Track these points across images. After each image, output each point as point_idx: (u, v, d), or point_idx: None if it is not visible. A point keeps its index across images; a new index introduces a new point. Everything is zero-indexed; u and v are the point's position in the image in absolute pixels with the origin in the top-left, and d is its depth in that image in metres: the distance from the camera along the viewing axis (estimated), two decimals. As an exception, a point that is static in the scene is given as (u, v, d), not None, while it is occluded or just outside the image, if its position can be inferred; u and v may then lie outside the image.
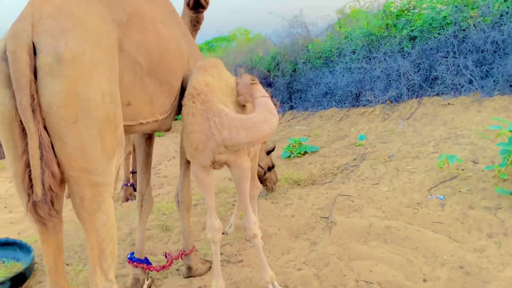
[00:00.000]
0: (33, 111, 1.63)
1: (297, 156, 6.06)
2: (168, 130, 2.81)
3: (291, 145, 6.22)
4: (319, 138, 6.97)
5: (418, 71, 6.94)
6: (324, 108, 8.49)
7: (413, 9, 7.41)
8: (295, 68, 9.90)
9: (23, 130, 1.66)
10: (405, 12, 7.25)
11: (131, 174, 5.50)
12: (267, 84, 11.11)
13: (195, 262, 3.07)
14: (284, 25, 10.69)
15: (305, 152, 6.12)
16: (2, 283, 2.87)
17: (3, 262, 3.34)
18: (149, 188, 3.10)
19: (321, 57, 9.22)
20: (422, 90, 6.86)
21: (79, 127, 1.72)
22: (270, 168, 4.41)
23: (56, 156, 1.72)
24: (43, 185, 1.66)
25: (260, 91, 2.73)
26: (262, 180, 4.36)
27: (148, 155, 3.13)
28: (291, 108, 9.84)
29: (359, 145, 5.88)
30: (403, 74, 6.92)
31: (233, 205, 4.42)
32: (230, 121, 2.45)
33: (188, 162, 2.90)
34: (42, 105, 1.66)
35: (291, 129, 8.29)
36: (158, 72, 2.35)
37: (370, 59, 7.66)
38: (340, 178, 4.85)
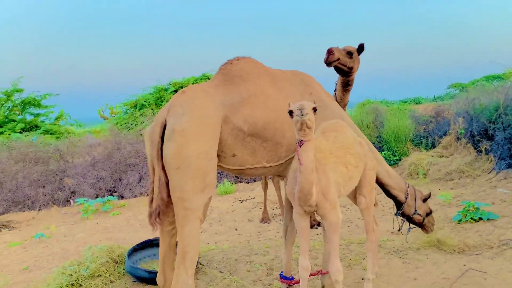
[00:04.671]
0: (158, 159, 2.83)
1: (469, 221, 5.69)
2: None
3: (465, 209, 5.87)
4: (513, 205, 6.19)
5: None
6: (542, 171, 7.27)
7: None
8: (519, 121, 8.76)
9: (154, 169, 2.91)
10: None
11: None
12: (488, 137, 10.08)
13: (328, 283, 3.61)
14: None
15: (480, 219, 5.67)
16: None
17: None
18: (292, 221, 3.56)
19: (548, 112, 7.91)
20: None
21: (179, 172, 2.74)
22: (428, 213, 4.45)
23: (168, 188, 2.86)
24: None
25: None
26: (421, 225, 4.44)
27: None
28: (509, 166, 8.70)
29: (547, 221, 5.05)
30: None
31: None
32: (301, 178, 2.77)
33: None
34: (163, 157, 2.82)
35: (492, 190, 7.49)
36: (261, 134, 3.13)
37: None
38: (492, 253, 4.47)
